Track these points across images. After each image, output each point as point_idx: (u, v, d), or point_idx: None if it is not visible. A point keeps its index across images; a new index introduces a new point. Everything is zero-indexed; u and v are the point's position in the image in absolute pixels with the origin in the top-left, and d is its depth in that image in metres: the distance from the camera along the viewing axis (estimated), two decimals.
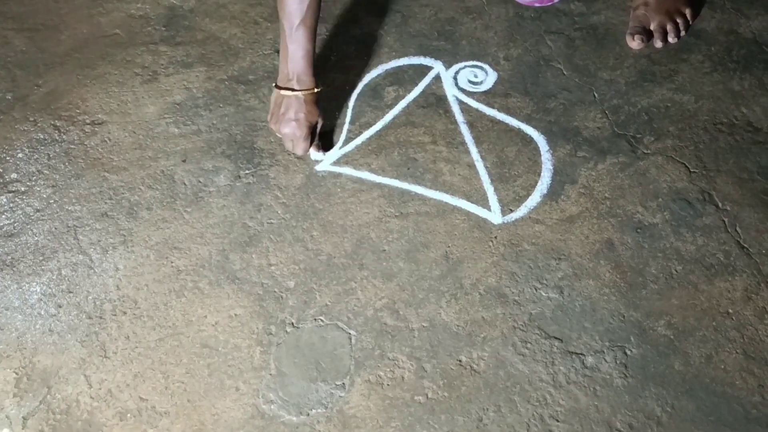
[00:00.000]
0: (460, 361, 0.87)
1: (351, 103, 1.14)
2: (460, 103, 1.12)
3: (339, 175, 1.06)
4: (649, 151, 1.02)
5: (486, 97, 1.12)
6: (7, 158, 1.13)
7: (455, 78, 1.15)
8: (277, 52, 1.22)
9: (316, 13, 1.00)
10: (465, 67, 1.16)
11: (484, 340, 0.88)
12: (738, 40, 1.13)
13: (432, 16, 1.24)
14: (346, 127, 1.11)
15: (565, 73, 1.13)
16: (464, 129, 1.08)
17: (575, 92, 1.10)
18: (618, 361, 0.85)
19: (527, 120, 1.08)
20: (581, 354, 0.86)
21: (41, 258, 1.01)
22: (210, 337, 0.92)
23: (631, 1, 1.17)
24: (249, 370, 0.89)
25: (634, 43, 1.13)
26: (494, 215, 0.99)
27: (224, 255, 0.99)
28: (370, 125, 1.11)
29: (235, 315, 0.94)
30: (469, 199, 1.01)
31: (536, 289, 0.92)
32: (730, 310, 0.87)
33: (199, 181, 1.07)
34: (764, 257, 0.91)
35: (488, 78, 1.14)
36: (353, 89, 1.16)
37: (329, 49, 1.21)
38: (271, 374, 0.88)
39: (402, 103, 1.13)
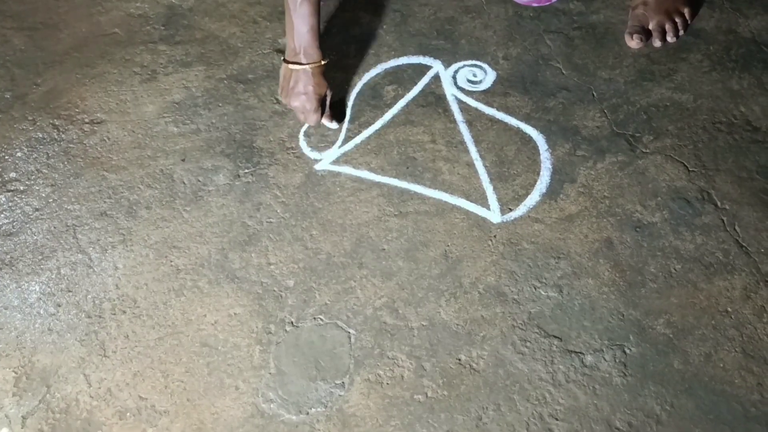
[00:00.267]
0: (459, 359, 0.87)
1: (350, 102, 1.14)
2: (460, 102, 1.12)
3: (338, 174, 1.06)
4: (648, 150, 1.03)
5: (485, 96, 1.12)
6: (6, 157, 1.13)
7: (454, 77, 1.15)
8: (277, 51, 1.22)
9: None
10: (464, 66, 1.16)
11: (483, 338, 0.88)
12: (737, 40, 1.13)
13: (431, 16, 1.24)
14: (345, 126, 1.11)
15: (564, 72, 1.13)
16: (463, 128, 1.08)
17: (574, 91, 1.10)
18: (617, 360, 0.85)
19: (526, 119, 1.08)
20: (580, 353, 0.86)
21: (40, 257, 1.01)
22: (209, 336, 0.92)
23: (630, 0, 1.18)
24: (248, 369, 0.89)
25: (633, 43, 1.13)
26: (493, 214, 0.99)
27: (223, 254, 0.99)
28: (369, 124, 1.11)
29: (235, 314, 0.94)
30: (468, 198, 1.01)
31: (535, 288, 0.92)
32: (729, 309, 0.87)
33: (199, 180, 1.07)
34: (763, 256, 0.91)
35: (487, 77, 1.14)
36: (352, 88, 1.16)
37: (329, 49, 1.21)
38: (270, 373, 0.88)
39: (401, 102, 1.13)
